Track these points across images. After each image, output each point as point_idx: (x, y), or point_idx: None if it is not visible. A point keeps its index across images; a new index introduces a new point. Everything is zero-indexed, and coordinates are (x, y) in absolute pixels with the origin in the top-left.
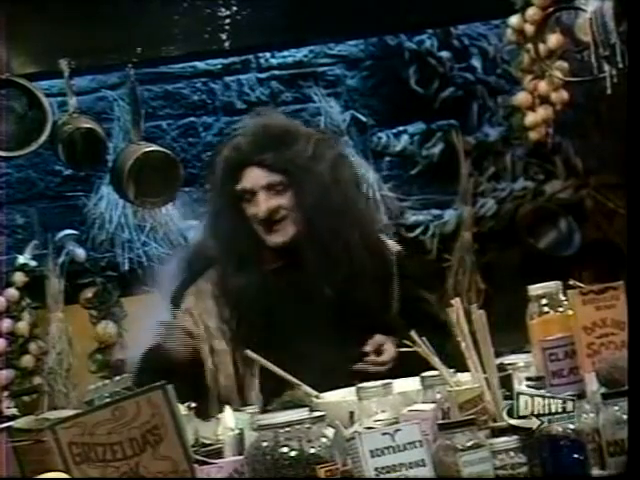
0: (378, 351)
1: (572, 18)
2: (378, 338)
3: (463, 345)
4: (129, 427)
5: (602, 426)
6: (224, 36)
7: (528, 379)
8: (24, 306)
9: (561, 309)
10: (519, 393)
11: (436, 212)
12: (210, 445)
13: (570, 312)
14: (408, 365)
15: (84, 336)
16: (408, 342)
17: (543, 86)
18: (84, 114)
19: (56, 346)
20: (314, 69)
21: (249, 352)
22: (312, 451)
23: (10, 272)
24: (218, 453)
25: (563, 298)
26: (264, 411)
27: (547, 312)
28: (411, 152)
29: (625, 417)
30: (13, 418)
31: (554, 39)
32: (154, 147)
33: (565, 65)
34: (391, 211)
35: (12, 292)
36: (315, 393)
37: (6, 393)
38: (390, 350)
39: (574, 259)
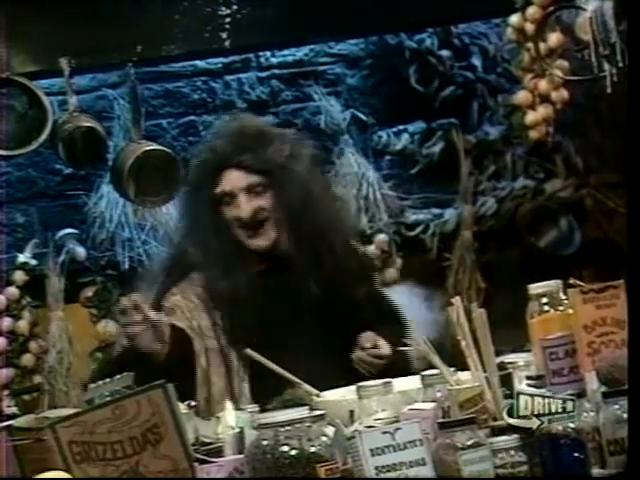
0: (375, 346)
1: (572, 17)
2: (370, 334)
3: (463, 344)
4: (129, 426)
5: (602, 425)
6: (224, 35)
7: (528, 378)
8: (24, 305)
9: (561, 308)
10: (519, 393)
11: (436, 211)
12: (210, 444)
13: (570, 311)
14: (403, 363)
15: (84, 335)
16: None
17: (543, 85)
18: (84, 113)
19: (56, 345)
20: (314, 68)
21: (249, 351)
22: (312, 450)
23: (10, 271)
24: (218, 452)
25: (563, 297)
26: (264, 410)
27: (547, 311)
28: (411, 151)
29: (625, 416)
30: (13, 417)
31: (554, 38)
32: (154, 146)
33: (565, 64)
34: (391, 210)
35: (12, 291)
36: (315, 392)
37: (6, 392)
38: (385, 346)
39: (574, 258)
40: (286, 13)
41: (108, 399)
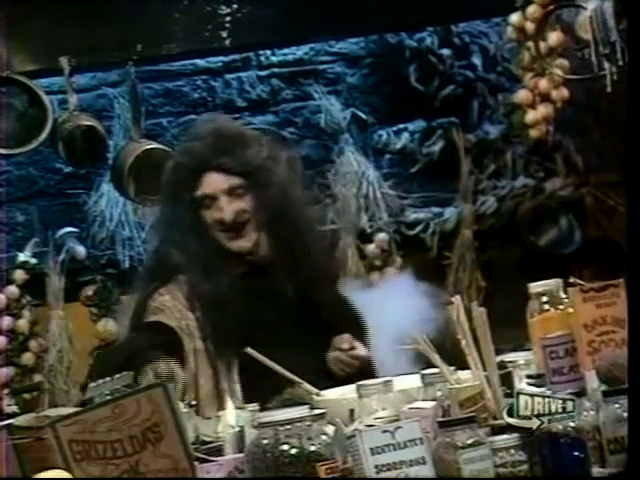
0: (353, 347)
1: (572, 16)
2: (347, 336)
3: (463, 342)
4: (129, 425)
5: (602, 424)
6: (224, 34)
7: (528, 377)
8: (24, 304)
9: (561, 307)
10: (519, 393)
11: (436, 210)
12: (210, 443)
13: (570, 310)
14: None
15: (84, 334)
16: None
17: (543, 84)
18: (84, 112)
19: (56, 344)
20: (315, 67)
21: (249, 350)
22: (312, 449)
23: (10, 270)
24: (218, 451)
25: (563, 296)
26: (264, 409)
27: (547, 310)
28: (411, 150)
29: (625, 415)
30: (13, 416)
31: (554, 37)
32: (154, 145)
33: (565, 63)
34: (391, 209)
35: (12, 290)
36: (315, 391)
37: (6, 391)
38: (362, 348)
39: (574, 257)
40: (286, 12)
41: (108, 398)
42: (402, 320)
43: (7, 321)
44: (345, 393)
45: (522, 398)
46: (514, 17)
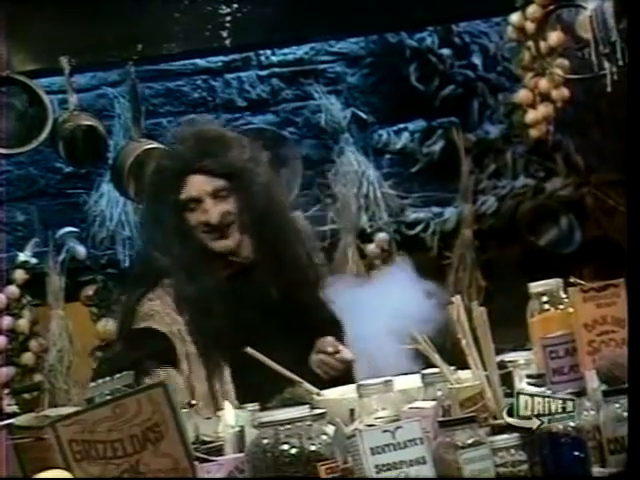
0: (338, 351)
1: (573, 16)
2: (331, 339)
3: (463, 342)
4: (130, 424)
5: (602, 423)
6: (225, 33)
7: (528, 376)
8: (24, 303)
9: (562, 306)
10: (519, 393)
11: (437, 210)
12: (211, 442)
13: (571, 309)
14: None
15: (85, 333)
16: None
17: (544, 83)
18: (85, 111)
19: (57, 343)
20: (315, 66)
21: (250, 350)
22: (312, 448)
23: (10, 269)
24: (219, 450)
25: (564, 295)
26: (264, 408)
27: (548, 309)
28: (412, 149)
29: (625, 414)
30: (14, 415)
31: (555, 37)
32: (155, 144)
33: (566, 63)
34: (392, 209)
35: (12, 289)
36: (316, 390)
37: (7, 390)
38: (347, 350)
39: (575, 256)
40: (286, 11)
41: (108, 398)
42: (400, 313)
43: (7, 321)
44: (345, 393)
45: (522, 398)
46: (514, 17)
